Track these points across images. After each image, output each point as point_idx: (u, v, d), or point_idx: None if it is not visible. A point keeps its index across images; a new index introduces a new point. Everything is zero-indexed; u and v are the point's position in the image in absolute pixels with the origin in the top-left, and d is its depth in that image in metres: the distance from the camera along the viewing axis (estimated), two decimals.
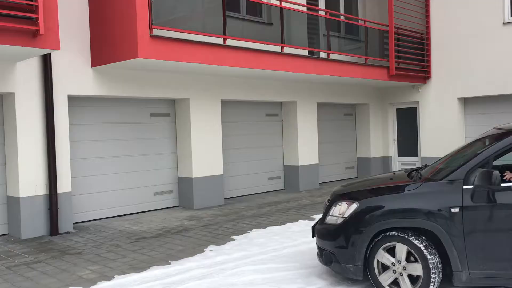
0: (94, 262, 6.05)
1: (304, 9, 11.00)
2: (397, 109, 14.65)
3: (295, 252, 6.18)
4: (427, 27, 13.36)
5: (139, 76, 8.86)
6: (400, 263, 4.43)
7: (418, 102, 13.93)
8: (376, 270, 4.57)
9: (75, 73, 8.08)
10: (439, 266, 4.33)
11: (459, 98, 13.06)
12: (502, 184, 4.22)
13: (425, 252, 4.31)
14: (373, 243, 4.56)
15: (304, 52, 10.40)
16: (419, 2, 13.34)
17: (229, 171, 10.97)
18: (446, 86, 13.17)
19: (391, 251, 4.49)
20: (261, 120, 11.74)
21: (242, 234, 7.32)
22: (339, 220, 4.78)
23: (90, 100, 8.79)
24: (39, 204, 7.64)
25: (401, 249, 4.41)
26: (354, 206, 4.70)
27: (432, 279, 4.30)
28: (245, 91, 10.68)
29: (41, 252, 6.63)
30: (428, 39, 13.35)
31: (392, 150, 14.72)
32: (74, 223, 8.35)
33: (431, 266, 4.29)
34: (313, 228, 5.22)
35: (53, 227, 7.66)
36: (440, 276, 4.35)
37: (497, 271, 4.25)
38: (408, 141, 14.37)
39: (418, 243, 4.34)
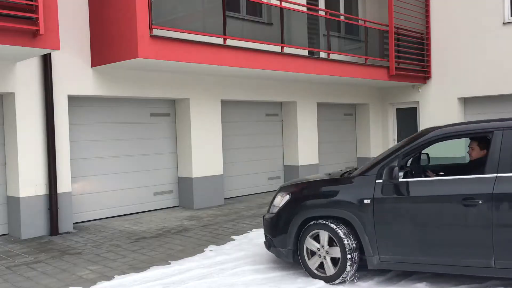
0: (94, 262, 6.05)
1: (304, 9, 11.00)
2: (397, 109, 14.65)
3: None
4: (427, 27, 13.36)
5: (139, 76, 8.85)
6: (324, 247, 5.01)
7: (418, 102, 13.94)
8: (305, 254, 5.14)
9: (75, 73, 8.08)
10: (356, 251, 4.86)
11: (459, 98, 13.06)
12: (400, 180, 4.72)
13: (345, 240, 4.83)
14: (302, 230, 5.15)
15: (304, 52, 10.40)
16: (419, 2, 13.34)
17: (229, 171, 10.97)
18: (446, 86, 13.17)
19: (317, 238, 5.05)
20: (261, 120, 11.74)
21: (242, 234, 7.32)
22: (276, 210, 5.42)
23: (90, 100, 8.79)
24: (39, 204, 7.63)
25: (324, 235, 4.99)
26: (287, 197, 5.35)
27: (348, 265, 4.82)
28: (245, 91, 10.68)
29: (41, 252, 6.63)
30: (428, 39, 13.35)
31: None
32: (74, 223, 8.34)
33: (348, 252, 4.81)
34: (263, 217, 5.72)
35: (53, 227, 7.66)
36: (356, 260, 4.87)
37: (403, 257, 4.72)
38: None
39: (340, 232, 4.87)
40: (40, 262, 6.12)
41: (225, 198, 10.68)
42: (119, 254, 6.40)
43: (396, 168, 4.65)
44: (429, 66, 13.40)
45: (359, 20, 12.97)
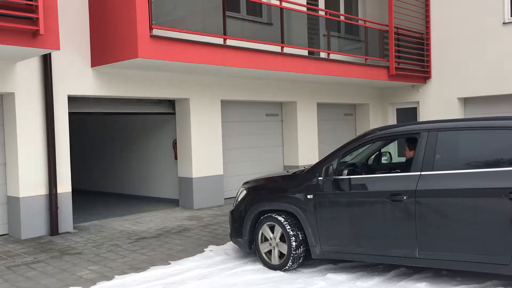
0: (94, 262, 6.05)
1: (304, 9, 11.00)
2: (397, 109, 14.64)
3: None
4: (427, 27, 13.35)
5: (139, 76, 8.85)
6: (276, 239, 5.47)
7: (418, 102, 13.93)
8: (259, 239, 5.64)
9: (75, 73, 8.08)
10: (301, 246, 5.32)
11: (459, 98, 13.06)
12: (334, 177, 5.13)
13: (293, 241, 5.27)
14: (259, 220, 5.62)
15: (304, 52, 10.39)
16: (419, 2, 13.34)
17: (229, 171, 10.96)
18: (446, 86, 13.17)
19: (273, 229, 5.53)
20: (261, 120, 11.74)
21: None
22: (236, 203, 5.98)
23: (90, 100, 8.77)
24: (39, 204, 7.63)
25: (278, 230, 5.45)
26: (244, 192, 5.92)
27: (292, 255, 5.30)
28: (245, 91, 10.67)
29: (41, 252, 6.63)
30: (428, 39, 13.34)
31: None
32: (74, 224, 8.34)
33: (293, 250, 5.28)
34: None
35: (53, 227, 7.65)
36: (302, 251, 5.35)
37: (340, 247, 5.17)
38: None
39: (289, 228, 5.32)
40: (40, 262, 6.12)
41: (225, 198, 10.67)
42: (119, 254, 6.40)
43: (331, 167, 5.10)
44: (429, 66, 13.40)
45: (359, 20, 12.96)
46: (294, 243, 5.27)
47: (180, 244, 6.87)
